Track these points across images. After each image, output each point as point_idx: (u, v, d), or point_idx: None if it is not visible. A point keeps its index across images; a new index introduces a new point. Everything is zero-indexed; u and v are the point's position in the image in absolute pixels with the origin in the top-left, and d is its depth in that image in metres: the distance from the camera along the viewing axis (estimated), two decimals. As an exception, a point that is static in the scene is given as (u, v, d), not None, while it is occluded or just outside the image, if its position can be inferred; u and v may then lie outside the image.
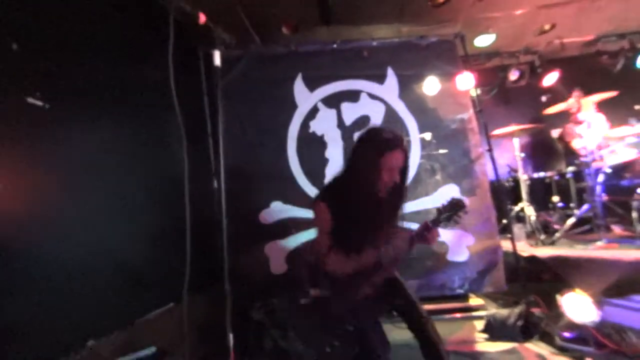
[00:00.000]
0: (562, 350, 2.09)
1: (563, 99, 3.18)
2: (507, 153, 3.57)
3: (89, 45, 1.74)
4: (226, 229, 1.98)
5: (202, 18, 1.17)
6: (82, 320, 1.51)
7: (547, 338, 2.21)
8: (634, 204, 2.36)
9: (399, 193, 1.53)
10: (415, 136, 2.74)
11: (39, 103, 1.44)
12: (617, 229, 2.97)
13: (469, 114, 2.79)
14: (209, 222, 2.48)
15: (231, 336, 1.20)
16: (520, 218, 3.11)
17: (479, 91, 3.59)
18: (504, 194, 3.14)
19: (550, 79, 3.49)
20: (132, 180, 1.96)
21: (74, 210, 1.55)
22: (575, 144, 3.17)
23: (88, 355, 1.48)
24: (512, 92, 3.75)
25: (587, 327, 2.08)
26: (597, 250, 2.41)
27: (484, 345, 2.29)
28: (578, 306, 2.11)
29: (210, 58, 2.71)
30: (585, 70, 3.66)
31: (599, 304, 2.10)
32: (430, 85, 2.81)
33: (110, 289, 1.69)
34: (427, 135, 2.76)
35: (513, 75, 3.53)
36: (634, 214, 2.37)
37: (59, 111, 1.51)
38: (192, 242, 1.45)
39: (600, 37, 3.65)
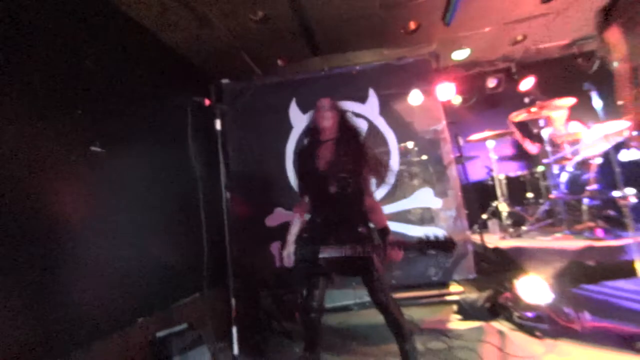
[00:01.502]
0: (519, 327, 2.49)
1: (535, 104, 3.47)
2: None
3: (127, 101, 2.32)
4: (236, 232, 2.51)
5: (207, 102, 1.62)
6: (134, 303, 2.10)
7: (510, 317, 2.62)
8: (584, 200, 2.69)
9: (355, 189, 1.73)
10: (394, 147, 3.18)
11: (98, 149, 2.02)
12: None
13: (442, 125, 3.18)
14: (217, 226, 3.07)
15: (235, 329, 1.60)
16: (496, 214, 3.47)
17: (460, 99, 3.96)
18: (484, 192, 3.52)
19: (527, 84, 3.79)
20: (166, 198, 2.53)
21: (126, 222, 2.14)
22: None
23: (139, 329, 2.08)
24: (494, 97, 4.06)
25: (542, 307, 2.47)
26: (553, 241, 2.77)
27: (456, 324, 2.72)
28: (532, 289, 2.50)
29: (219, 89, 3.29)
30: (562, 73, 3.92)
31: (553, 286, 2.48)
32: (408, 102, 3.23)
33: (153, 280, 2.28)
34: (410, 144, 3.19)
35: (491, 83, 3.85)
36: (584, 209, 2.70)
37: (111, 153, 2.09)
38: (210, 245, 1.99)
39: (576, 40, 3.89)
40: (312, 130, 1.92)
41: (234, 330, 1.54)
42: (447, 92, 3.58)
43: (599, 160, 2.68)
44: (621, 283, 2.71)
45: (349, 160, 1.73)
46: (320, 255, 1.66)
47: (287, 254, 1.82)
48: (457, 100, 3.96)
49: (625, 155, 2.51)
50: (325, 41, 3.11)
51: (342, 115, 1.88)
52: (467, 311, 2.80)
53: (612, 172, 2.35)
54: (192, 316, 2.46)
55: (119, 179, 2.14)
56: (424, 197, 3.05)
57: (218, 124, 1.72)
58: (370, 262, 1.67)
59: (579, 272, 2.48)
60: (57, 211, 1.72)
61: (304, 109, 3.24)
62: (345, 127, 1.86)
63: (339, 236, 1.66)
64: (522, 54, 3.94)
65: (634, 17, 1.77)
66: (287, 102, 3.26)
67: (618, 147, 2.56)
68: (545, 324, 2.42)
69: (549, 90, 3.62)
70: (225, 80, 3.26)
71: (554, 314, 2.45)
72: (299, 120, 3.23)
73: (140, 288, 2.16)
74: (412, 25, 3.06)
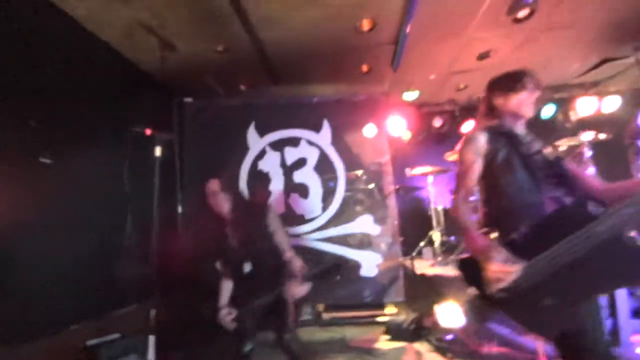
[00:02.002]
0: (436, 348, 2.76)
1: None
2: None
3: (83, 116, 2.44)
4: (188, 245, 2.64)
5: (148, 132, 1.80)
6: (68, 310, 2.17)
7: (429, 339, 2.88)
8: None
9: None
10: (342, 174, 3.46)
11: (48, 161, 2.12)
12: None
13: (386, 158, 3.51)
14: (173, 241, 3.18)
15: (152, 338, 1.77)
16: (431, 242, 3.81)
17: (410, 135, 4.36)
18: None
19: (468, 126, 4.24)
20: (116, 210, 2.62)
21: (66, 232, 2.22)
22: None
23: (72, 335, 2.15)
24: (440, 135, 4.50)
25: (456, 330, 2.76)
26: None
27: (383, 344, 2.95)
28: (448, 314, 2.79)
29: (182, 107, 3.47)
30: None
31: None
32: (358, 134, 3.55)
33: (91, 289, 2.35)
34: (359, 172, 3.48)
35: (437, 123, 4.28)
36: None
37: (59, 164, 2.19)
38: (156, 257, 2.12)
39: (512, 93, 4.42)
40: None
41: (151, 338, 1.68)
42: (398, 127, 3.96)
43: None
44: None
45: (251, 237, 2.01)
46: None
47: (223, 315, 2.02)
48: (407, 135, 4.36)
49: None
50: (286, 73, 3.38)
51: (234, 196, 2.16)
52: (394, 332, 3.05)
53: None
54: (133, 326, 2.53)
55: (63, 188, 2.23)
56: (365, 223, 3.32)
57: (158, 151, 1.87)
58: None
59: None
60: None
61: (261, 133, 3.47)
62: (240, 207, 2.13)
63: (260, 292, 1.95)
64: (467, 99, 4.43)
65: None
66: (246, 125, 3.48)
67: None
68: (458, 347, 2.71)
69: None
70: (188, 99, 3.44)
71: (466, 337, 2.75)
72: (255, 142, 3.45)
73: (76, 296, 2.24)
74: (365, 67, 3.41)
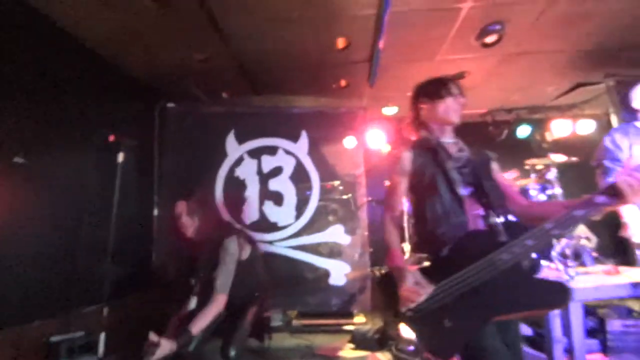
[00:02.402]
0: (397, 358, 2.83)
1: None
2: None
3: (62, 117, 2.52)
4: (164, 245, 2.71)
5: (111, 138, 1.88)
6: (33, 304, 2.23)
7: (391, 349, 2.95)
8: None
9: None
10: (317, 184, 3.55)
11: (21, 160, 2.20)
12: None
13: (360, 170, 3.61)
14: (145, 240, 3.26)
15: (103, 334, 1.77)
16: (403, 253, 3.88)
17: (389, 148, 4.46)
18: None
19: (445, 142, 4.35)
20: (86, 210, 2.69)
21: (36, 229, 2.29)
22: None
23: (35, 330, 2.21)
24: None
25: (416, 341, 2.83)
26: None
27: (347, 352, 3.02)
28: (409, 325, 2.87)
29: (164, 111, 3.56)
30: (476, 137, 4.54)
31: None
32: (335, 146, 3.66)
33: (59, 286, 2.42)
34: (336, 183, 3.58)
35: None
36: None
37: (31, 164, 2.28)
38: (128, 256, 2.19)
39: (492, 111, 4.56)
40: None
41: (102, 335, 1.75)
42: (378, 140, 4.07)
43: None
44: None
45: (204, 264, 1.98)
46: None
47: None
48: (386, 148, 4.46)
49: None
50: (266, 83, 3.50)
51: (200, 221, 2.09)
52: (358, 341, 3.12)
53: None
54: (101, 323, 2.59)
55: (33, 188, 2.31)
56: (336, 233, 3.41)
57: (120, 157, 1.95)
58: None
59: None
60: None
61: (240, 140, 3.56)
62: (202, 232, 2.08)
63: None
64: (446, 116, 4.54)
65: None
66: (226, 132, 3.58)
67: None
68: (418, 357, 2.78)
69: None
70: (170, 104, 3.54)
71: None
72: (234, 149, 3.55)
73: (42, 293, 2.30)
74: (343, 82, 3.53)
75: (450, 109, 1.36)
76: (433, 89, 1.41)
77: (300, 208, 3.44)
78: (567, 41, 3.06)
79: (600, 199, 0.98)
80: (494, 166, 1.41)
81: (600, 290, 2.61)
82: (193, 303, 1.96)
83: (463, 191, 1.27)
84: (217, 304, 1.82)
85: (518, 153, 4.35)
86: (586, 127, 4.36)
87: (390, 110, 4.20)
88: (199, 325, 1.74)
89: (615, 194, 0.97)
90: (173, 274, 3.25)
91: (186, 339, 1.70)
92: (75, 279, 2.54)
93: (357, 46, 2.89)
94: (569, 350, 2.52)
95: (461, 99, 1.39)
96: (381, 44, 2.75)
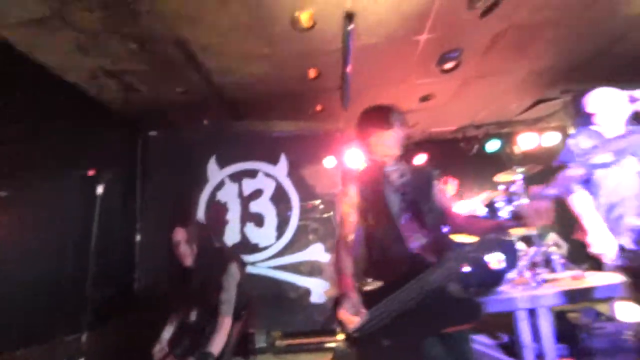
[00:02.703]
0: None
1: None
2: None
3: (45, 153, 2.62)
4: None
5: (91, 172, 1.99)
6: (16, 333, 2.26)
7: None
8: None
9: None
10: (297, 204, 3.68)
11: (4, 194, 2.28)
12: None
13: (339, 189, 3.75)
14: (127, 266, 3.31)
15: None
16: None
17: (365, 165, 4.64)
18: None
19: (420, 159, 4.57)
20: (73, 238, 2.74)
21: (22, 259, 2.34)
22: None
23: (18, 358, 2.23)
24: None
25: None
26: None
27: (328, 370, 3.09)
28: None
29: (146, 139, 3.67)
30: (449, 153, 4.78)
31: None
32: (313, 167, 3.81)
33: (41, 313, 2.45)
34: (317, 202, 3.71)
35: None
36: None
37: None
38: (110, 283, 2.24)
39: (462, 127, 4.81)
40: None
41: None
42: (356, 160, 4.25)
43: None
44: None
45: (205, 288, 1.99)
46: None
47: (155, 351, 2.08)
48: (364, 166, 4.64)
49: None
50: (246, 110, 3.66)
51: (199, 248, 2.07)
52: (340, 357, 3.18)
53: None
54: (81, 350, 2.60)
55: (17, 217, 2.38)
56: (316, 251, 3.52)
57: (100, 189, 2.05)
58: None
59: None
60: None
61: (221, 165, 3.69)
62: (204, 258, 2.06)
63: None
64: (420, 134, 4.78)
65: None
66: (208, 157, 3.71)
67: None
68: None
69: (440, 165, 4.39)
70: (152, 133, 3.67)
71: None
72: (215, 174, 3.67)
73: (27, 320, 2.33)
74: (319, 107, 3.72)
75: (391, 140, 1.43)
76: (375, 120, 1.46)
77: (281, 228, 3.56)
78: (521, 63, 3.33)
79: (508, 223, 1.14)
80: (436, 184, 1.50)
81: (566, 296, 2.77)
82: (193, 316, 2.03)
83: (402, 220, 1.39)
84: (225, 326, 1.91)
85: (489, 166, 4.60)
86: (551, 139, 4.63)
87: (366, 130, 4.40)
88: (217, 346, 1.84)
89: (521, 218, 1.12)
90: (156, 300, 3.29)
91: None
92: (59, 307, 2.57)
93: (327, 75, 3.10)
94: (540, 356, 2.65)
95: (402, 130, 1.46)
96: (349, 69, 2.93)
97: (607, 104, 1.96)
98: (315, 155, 3.81)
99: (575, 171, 1.31)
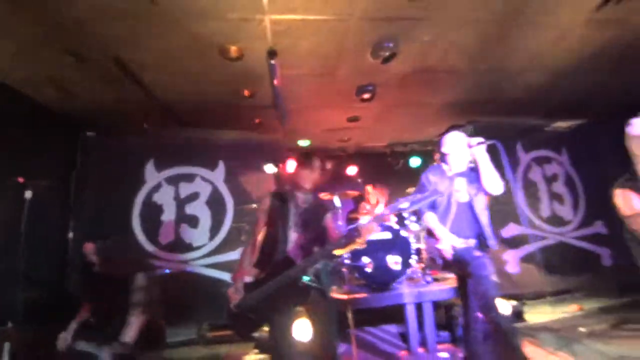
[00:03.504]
0: None
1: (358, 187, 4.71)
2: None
3: None
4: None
5: (21, 180, 2.16)
6: None
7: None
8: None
9: None
10: (231, 208, 4.00)
11: None
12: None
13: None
14: (59, 265, 3.42)
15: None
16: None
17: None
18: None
19: (351, 170, 5.12)
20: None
21: None
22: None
23: None
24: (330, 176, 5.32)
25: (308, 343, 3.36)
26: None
27: (249, 357, 3.44)
28: (301, 329, 3.39)
29: (84, 140, 3.77)
30: (379, 166, 5.39)
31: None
32: (249, 173, 4.16)
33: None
34: (254, 205, 4.04)
35: (327, 166, 5.10)
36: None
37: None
38: (40, 282, 2.40)
39: (391, 144, 5.44)
40: None
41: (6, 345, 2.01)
42: (294, 167, 4.66)
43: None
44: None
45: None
46: None
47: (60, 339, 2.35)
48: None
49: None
50: (188, 118, 3.89)
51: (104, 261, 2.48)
52: (262, 346, 3.58)
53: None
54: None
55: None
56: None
57: (28, 194, 2.23)
58: None
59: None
60: None
61: (159, 168, 3.90)
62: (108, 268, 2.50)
63: None
64: (355, 147, 5.34)
65: None
66: (146, 160, 3.89)
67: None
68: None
69: (370, 176, 4.97)
70: (90, 133, 3.77)
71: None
72: (152, 176, 3.87)
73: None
74: (257, 120, 4.06)
75: (307, 177, 1.95)
76: (302, 160, 2.02)
77: (214, 230, 3.86)
78: (433, 97, 3.94)
79: (343, 240, 1.62)
80: (328, 214, 2.02)
81: (447, 292, 3.39)
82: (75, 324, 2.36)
83: (293, 233, 1.90)
84: (139, 322, 2.34)
85: (412, 180, 5.25)
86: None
87: (304, 143, 4.86)
88: (128, 337, 2.26)
89: (354, 235, 1.61)
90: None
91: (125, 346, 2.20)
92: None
93: (260, 95, 3.45)
94: (424, 342, 3.24)
95: (317, 173, 1.98)
96: (277, 93, 3.32)
97: (454, 147, 2.54)
98: (254, 163, 4.16)
99: (402, 204, 1.81)
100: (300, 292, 1.70)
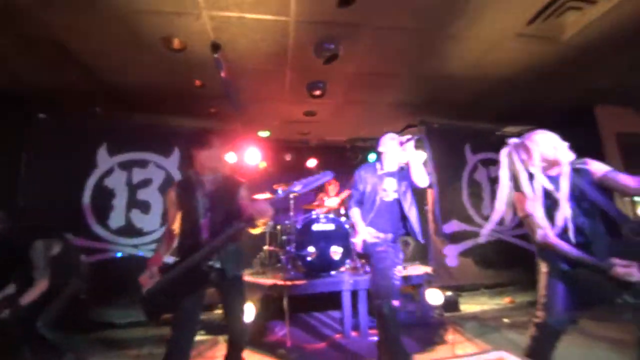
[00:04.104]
0: None
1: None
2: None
3: None
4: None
5: None
6: None
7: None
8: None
9: None
10: (184, 196, 4.09)
11: None
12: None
13: (226, 185, 4.25)
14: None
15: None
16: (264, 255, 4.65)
17: (265, 164, 5.20)
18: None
19: (311, 163, 5.27)
20: None
21: None
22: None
23: None
24: (290, 167, 5.46)
25: (249, 324, 3.55)
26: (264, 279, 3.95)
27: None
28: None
29: (36, 122, 3.74)
30: (339, 159, 5.57)
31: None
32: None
33: None
34: None
35: (288, 157, 5.24)
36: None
37: None
38: None
39: (351, 139, 5.61)
40: None
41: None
42: (254, 158, 4.77)
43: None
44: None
45: None
46: None
47: None
48: (262, 164, 5.20)
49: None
50: (140, 105, 3.92)
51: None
52: (207, 327, 3.75)
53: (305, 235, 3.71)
54: None
55: None
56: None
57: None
58: None
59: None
60: None
61: (111, 153, 3.93)
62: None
63: None
64: (316, 141, 5.48)
65: None
66: (98, 144, 3.90)
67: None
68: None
69: (330, 170, 5.12)
70: (42, 115, 3.74)
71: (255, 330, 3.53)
72: (104, 161, 3.90)
73: None
74: (213, 109, 4.13)
75: (207, 158, 1.97)
76: (198, 142, 2.01)
77: (166, 216, 3.93)
78: (382, 97, 4.11)
79: (241, 224, 1.77)
80: (242, 191, 2.04)
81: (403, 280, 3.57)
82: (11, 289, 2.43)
83: (202, 219, 1.93)
84: (40, 286, 2.37)
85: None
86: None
87: (264, 134, 4.95)
88: (25, 299, 2.30)
89: (250, 218, 1.76)
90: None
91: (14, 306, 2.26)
92: None
93: (211, 86, 3.52)
94: (357, 326, 3.48)
95: (217, 152, 2.03)
96: (226, 86, 3.40)
97: (388, 146, 2.73)
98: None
99: (296, 187, 1.91)
100: (201, 276, 1.83)
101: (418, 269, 4.03)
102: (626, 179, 1.71)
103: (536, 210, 1.80)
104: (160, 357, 1.77)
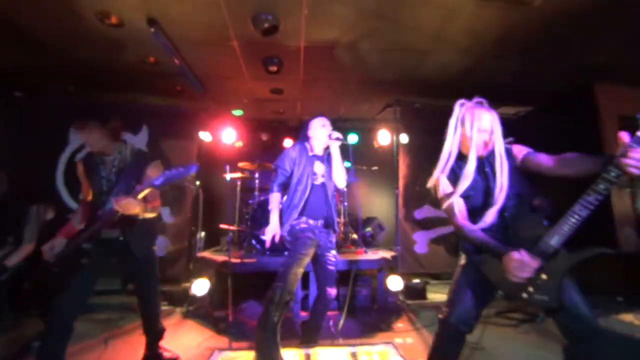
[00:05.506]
0: (186, 312, 3.67)
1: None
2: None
3: None
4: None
5: None
6: None
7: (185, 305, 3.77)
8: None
9: None
10: (152, 173, 4.21)
11: None
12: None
13: (194, 161, 4.32)
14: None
15: None
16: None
17: (241, 143, 5.21)
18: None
19: (287, 143, 5.20)
20: None
21: None
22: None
23: None
24: (267, 146, 5.43)
25: (202, 298, 3.67)
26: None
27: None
28: (199, 286, 3.65)
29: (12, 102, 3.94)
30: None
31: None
32: (174, 140, 4.32)
33: None
34: None
35: (264, 137, 5.20)
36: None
37: None
38: None
39: (331, 119, 5.42)
40: None
41: None
42: (230, 137, 4.80)
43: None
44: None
45: None
46: None
47: None
48: (238, 144, 5.21)
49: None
50: (109, 82, 3.99)
51: None
52: (170, 299, 3.93)
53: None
54: None
55: None
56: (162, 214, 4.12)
57: None
58: None
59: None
60: None
61: (82, 130, 4.09)
62: None
63: None
64: (295, 121, 5.38)
65: None
66: (70, 122, 4.07)
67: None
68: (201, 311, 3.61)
69: None
70: (18, 93, 3.95)
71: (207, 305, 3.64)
72: (76, 138, 4.08)
73: None
74: (178, 87, 4.15)
75: (88, 140, 2.08)
76: (76, 125, 2.15)
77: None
78: (343, 72, 3.86)
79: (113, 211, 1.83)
80: (149, 168, 2.12)
81: (346, 264, 3.54)
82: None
83: (104, 196, 2.05)
84: (27, 249, 2.61)
85: (348, 155, 5.29)
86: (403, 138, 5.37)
87: (238, 112, 4.93)
88: (13, 260, 2.55)
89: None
90: None
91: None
92: None
93: (164, 63, 3.51)
94: (306, 307, 3.48)
95: (96, 134, 2.08)
96: (177, 62, 3.38)
97: (316, 132, 2.62)
98: (178, 129, 4.31)
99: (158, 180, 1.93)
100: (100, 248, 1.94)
101: (376, 254, 3.93)
102: (543, 158, 1.56)
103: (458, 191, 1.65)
104: (129, 321, 1.89)
